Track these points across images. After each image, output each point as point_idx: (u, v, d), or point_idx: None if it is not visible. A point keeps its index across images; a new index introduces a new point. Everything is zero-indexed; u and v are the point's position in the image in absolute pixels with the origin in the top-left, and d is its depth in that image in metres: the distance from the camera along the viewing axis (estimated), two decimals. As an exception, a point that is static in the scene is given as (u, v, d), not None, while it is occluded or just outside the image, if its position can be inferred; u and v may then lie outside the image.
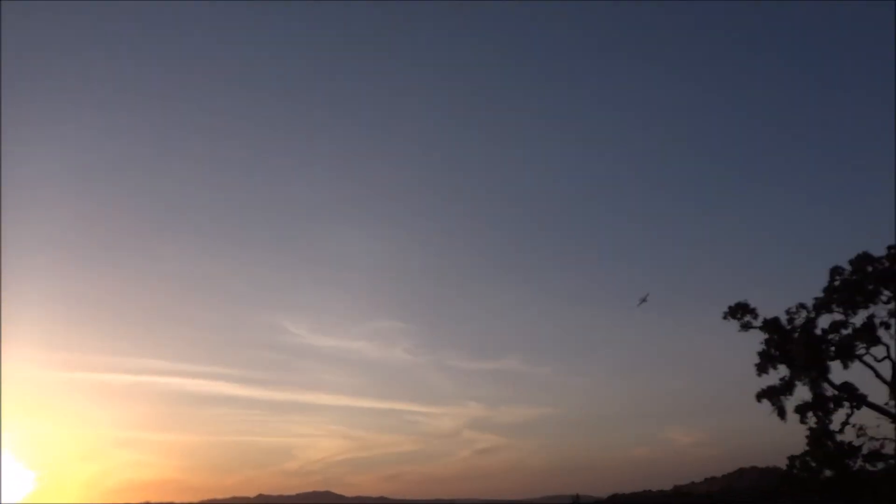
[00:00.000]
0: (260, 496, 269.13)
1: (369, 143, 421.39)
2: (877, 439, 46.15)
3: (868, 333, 46.97)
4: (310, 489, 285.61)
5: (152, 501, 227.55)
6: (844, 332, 47.97)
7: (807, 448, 47.73)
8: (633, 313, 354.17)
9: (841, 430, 47.25)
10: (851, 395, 47.31)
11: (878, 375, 46.76)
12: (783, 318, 49.98)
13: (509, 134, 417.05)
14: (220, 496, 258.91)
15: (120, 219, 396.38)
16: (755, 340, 50.48)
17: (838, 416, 47.64)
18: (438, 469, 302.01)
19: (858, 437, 46.64)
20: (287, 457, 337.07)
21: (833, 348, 47.91)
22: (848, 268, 48.50)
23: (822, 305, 48.91)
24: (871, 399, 47.06)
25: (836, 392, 47.63)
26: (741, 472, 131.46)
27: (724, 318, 51.22)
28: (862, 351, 47.29)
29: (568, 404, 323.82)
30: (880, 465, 45.97)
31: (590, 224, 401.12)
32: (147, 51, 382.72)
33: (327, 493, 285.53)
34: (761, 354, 50.03)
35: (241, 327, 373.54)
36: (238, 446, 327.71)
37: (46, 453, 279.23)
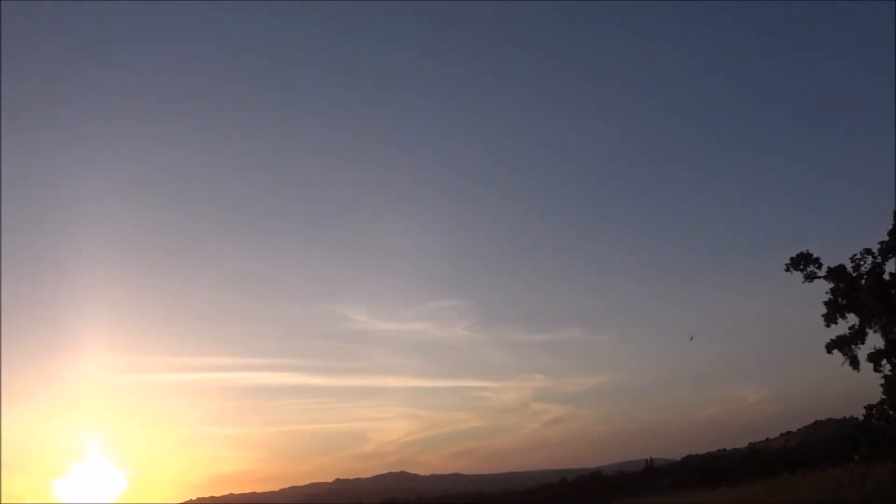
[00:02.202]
0: (337, 481, 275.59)
1: (408, 126, 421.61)
2: (956, 382, 44.75)
3: (939, 274, 45.46)
4: (385, 471, 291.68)
5: (235, 493, 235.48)
6: (914, 274, 46.51)
7: (883, 396, 46.52)
8: (690, 276, 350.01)
9: (918, 376, 45.93)
10: (926, 339, 45.94)
11: (952, 316, 45.28)
12: (848, 266, 48.67)
13: (555, 101, 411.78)
14: (298, 483, 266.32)
15: (176, 225, 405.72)
16: (820, 291, 49.37)
17: (914, 362, 46.35)
18: (508, 442, 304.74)
19: (936, 381, 45.27)
20: (360, 441, 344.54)
21: (903, 292, 46.48)
22: (913, 208, 46.85)
23: (888, 249, 47.32)
24: (947, 341, 45.64)
25: (910, 337, 46.30)
26: (817, 425, 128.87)
27: (787, 270, 50.03)
28: (934, 292, 45.80)
29: (632, 370, 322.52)
30: (961, 409, 44.61)
31: (642, 187, 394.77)
32: (191, 57, 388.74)
33: (402, 474, 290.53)
34: (828, 304, 48.80)
35: (303, 319, 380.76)
36: (311, 434, 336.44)
37: (132, 453, 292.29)
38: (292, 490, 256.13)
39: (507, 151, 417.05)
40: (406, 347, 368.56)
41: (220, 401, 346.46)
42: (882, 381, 46.70)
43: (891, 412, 46.37)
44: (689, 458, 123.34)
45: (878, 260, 47.83)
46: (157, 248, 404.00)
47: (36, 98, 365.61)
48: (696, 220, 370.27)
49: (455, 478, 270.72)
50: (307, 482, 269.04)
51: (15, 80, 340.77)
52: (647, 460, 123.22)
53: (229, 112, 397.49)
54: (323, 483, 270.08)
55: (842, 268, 48.87)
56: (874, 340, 47.20)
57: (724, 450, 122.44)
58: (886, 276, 47.35)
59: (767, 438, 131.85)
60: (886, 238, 47.54)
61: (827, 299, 49.05)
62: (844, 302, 48.39)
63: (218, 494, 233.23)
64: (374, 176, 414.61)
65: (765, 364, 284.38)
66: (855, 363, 47.87)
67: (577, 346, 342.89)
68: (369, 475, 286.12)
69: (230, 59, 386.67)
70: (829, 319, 48.75)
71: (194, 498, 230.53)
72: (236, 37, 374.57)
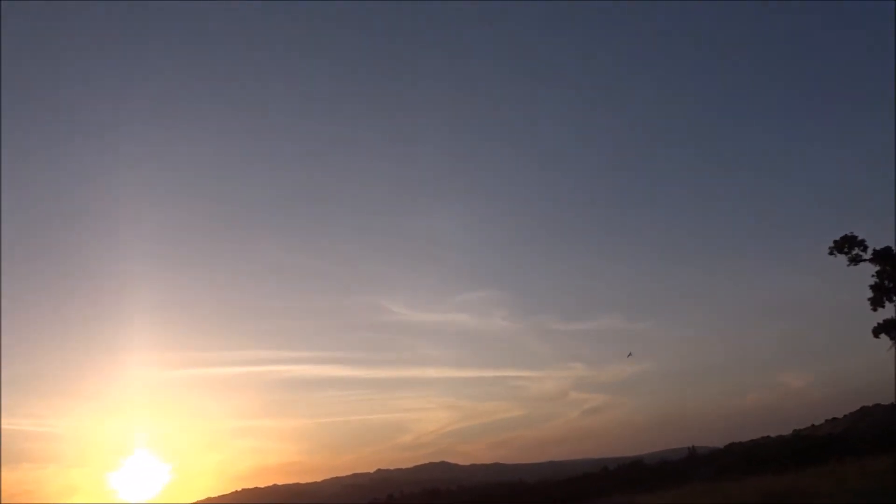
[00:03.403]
0: (379, 471, 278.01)
1: (444, 119, 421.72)
2: None
3: None
4: (426, 461, 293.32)
5: (279, 484, 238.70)
6: (964, 255, 45.34)
7: (933, 381, 45.57)
8: (730, 262, 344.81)
9: (969, 359, 44.87)
10: (977, 321, 44.77)
11: None
12: (895, 248, 47.58)
13: (587, 90, 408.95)
14: (341, 474, 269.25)
15: (214, 220, 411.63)
16: (866, 274, 48.39)
17: (964, 345, 45.24)
18: (548, 432, 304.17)
19: None
20: (400, 431, 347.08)
21: (953, 274, 45.36)
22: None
23: (937, 230, 46.29)
24: None
25: (961, 319, 45.17)
26: (864, 412, 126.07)
27: (831, 253, 49.17)
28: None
29: (672, 358, 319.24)
30: None
31: (680, 172, 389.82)
32: (229, 53, 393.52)
33: (443, 464, 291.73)
34: (874, 287, 47.88)
35: (343, 312, 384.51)
36: (352, 425, 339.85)
37: (178, 447, 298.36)
38: (335, 480, 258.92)
39: (542, 141, 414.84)
40: (445, 338, 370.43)
41: (263, 393, 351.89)
42: (932, 365, 45.77)
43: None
44: (732, 445, 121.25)
45: (926, 241, 46.78)
46: (199, 244, 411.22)
47: (69, 97, 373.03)
48: (736, 205, 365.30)
49: (495, 467, 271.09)
50: (349, 472, 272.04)
51: (46, 79, 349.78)
52: (689, 448, 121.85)
53: (269, 107, 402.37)
54: (365, 473, 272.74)
55: (888, 250, 47.88)
56: (923, 323, 46.21)
57: (769, 437, 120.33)
58: (935, 258, 46.31)
59: (812, 425, 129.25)
60: (934, 218, 46.47)
61: (873, 282, 48.09)
62: (891, 285, 47.45)
63: (262, 485, 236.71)
64: (411, 169, 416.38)
65: (809, 349, 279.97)
66: (903, 347, 46.88)
67: (616, 334, 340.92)
68: (410, 465, 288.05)
69: (268, 55, 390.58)
70: (876, 303, 47.84)
71: (239, 489, 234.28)
72: (275, 33, 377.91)
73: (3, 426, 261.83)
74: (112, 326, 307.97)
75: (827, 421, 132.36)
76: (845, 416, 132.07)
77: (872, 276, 47.99)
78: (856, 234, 48.99)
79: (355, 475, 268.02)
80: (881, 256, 47.91)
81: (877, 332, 47.59)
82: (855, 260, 48.62)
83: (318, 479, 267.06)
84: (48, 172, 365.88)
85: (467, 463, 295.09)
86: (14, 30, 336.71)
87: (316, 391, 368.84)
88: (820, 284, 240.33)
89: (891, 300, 47.42)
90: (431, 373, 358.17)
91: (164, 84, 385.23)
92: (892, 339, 46.97)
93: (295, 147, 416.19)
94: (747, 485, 45.65)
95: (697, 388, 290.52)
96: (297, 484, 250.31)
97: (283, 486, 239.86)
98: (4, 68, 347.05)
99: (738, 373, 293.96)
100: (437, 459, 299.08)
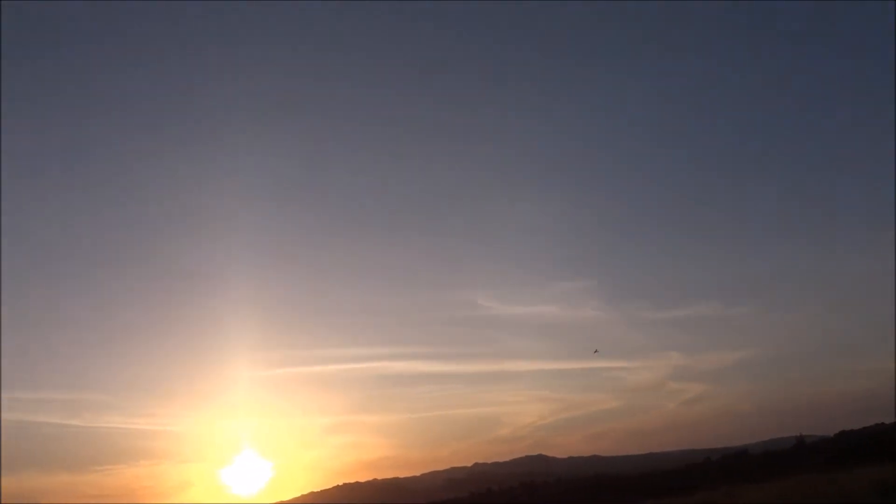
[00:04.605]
0: (476, 465, 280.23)
1: (528, 110, 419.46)
2: None
3: None
4: (523, 454, 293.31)
5: (379, 478, 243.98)
6: None
7: None
8: (834, 239, 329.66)
9: None
10: None
11: None
12: None
13: (677, 76, 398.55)
14: (438, 468, 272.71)
15: (310, 222, 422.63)
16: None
17: None
18: (646, 423, 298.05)
19: None
20: (496, 425, 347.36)
21: None
22: None
23: None
24: None
25: None
26: None
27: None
28: None
29: (773, 344, 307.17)
30: None
31: (776, 149, 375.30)
32: (312, 55, 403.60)
33: (539, 457, 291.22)
34: None
35: (434, 308, 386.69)
36: (447, 420, 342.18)
37: (277, 443, 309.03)
38: (432, 475, 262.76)
39: (630, 126, 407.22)
40: (536, 330, 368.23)
41: (359, 390, 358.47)
42: None
43: None
44: (842, 433, 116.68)
45: None
46: (296, 246, 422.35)
47: (162, 104, 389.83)
48: (836, 180, 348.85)
49: (593, 460, 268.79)
50: (446, 467, 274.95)
51: (141, 87, 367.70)
52: (796, 437, 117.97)
53: (354, 104, 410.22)
54: (462, 467, 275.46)
55: None
56: None
57: (882, 424, 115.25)
58: None
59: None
60: None
61: None
62: None
63: (362, 480, 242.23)
64: (496, 161, 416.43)
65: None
66: None
67: (713, 321, 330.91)
68: (507, 459, 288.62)
69: (351, 56, 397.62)
70: None
71: (340, 483, 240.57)
72: (356, 33, 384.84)
73: (123, 426, 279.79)
74: (221, 330, 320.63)
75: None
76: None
77: None
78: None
79: (453, 469, 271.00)
80: None
81: None
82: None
83: (417, 473, 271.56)
84: (158, 177, 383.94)
85: (564, 456, 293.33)
86: (120, 33, 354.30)
87: (411, 386, 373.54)
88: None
89: None
90: (525, 365, 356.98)
91: (264, 85, 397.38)
92: None
93: (384, 142, 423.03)
94: (861, 475, 43.99)
95: (802, 374, 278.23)
96: (396, 478, 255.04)
97: (382, 480, 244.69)
98: (110, 74, 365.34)
99: (848, 357, 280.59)
100: (533, 452, 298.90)
